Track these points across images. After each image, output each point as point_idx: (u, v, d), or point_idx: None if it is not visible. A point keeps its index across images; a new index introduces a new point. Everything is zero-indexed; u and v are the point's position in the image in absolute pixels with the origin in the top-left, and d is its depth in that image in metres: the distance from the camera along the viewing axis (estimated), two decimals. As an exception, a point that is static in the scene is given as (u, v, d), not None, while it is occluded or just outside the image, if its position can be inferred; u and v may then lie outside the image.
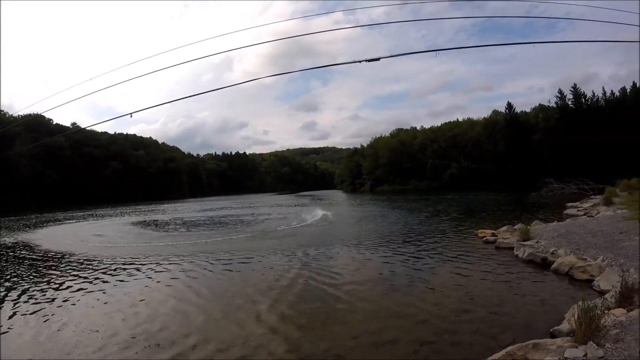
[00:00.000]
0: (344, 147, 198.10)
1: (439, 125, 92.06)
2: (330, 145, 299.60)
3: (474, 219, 20.64)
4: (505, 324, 5.72)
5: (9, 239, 21.41)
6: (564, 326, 4.96)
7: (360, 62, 9.52)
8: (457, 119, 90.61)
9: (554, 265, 8.56)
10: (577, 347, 4.15)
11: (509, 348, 4.50)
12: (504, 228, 13.89)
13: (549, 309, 6.20)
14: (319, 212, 28.69)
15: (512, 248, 10.93)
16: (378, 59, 9.30)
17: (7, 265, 13.35)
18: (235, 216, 31.16)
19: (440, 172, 78.73)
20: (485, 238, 12.97)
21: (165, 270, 11.08)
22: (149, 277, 10.27)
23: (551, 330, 5.04)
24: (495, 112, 77.79)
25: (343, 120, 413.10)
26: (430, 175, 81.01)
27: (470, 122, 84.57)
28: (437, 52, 10.07)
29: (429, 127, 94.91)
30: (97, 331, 6.40)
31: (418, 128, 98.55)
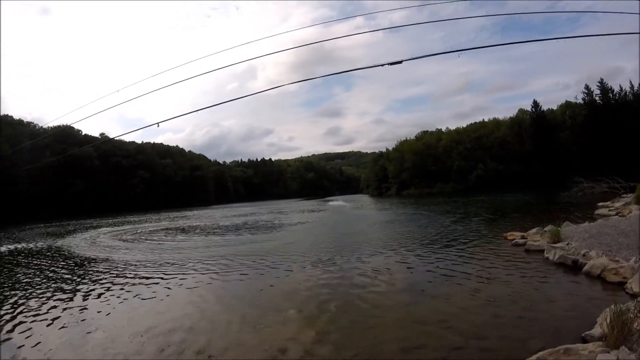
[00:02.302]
0: (368, 152, 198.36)
1: (464, 126, 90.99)
2: (355, 150, 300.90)
3: (502, 221, 20.26)
4: (535, 329, 5.60)
5: (41, 244, 22.38)
6: (596, 330, 4.85)
7: (382, 65, 9.55)
8: (483, 120, 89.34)
9: (585, 268, 8.34)
10: (609, 352, 4.08)
11: (540, 353, 4.44)
12: (534, 230, 13.56)
13: (580, 313, 6.04)
14: (345, 216, 28.82)
15: (542, 251, 10.64)
16: (400, 62, 9.32)
17: (42, 269, 13.86)
18: (261, 222, 31.48)
19: (467, 174, 77.70)
20: (514, 241, 12.72)
21: (192, 275, 11.36)
22: (179, 282, 10.51)
23: (583, 335, 4.91)
24: (521, 111, 76.57)
25: (366, 124, 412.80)
26: (456, 178, 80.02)
27: (495, 122, 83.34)
28: (460, 52, 10.05)
29: (453, 128, 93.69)
30: (123, 334, 6.65)
31: (443, 130, 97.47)
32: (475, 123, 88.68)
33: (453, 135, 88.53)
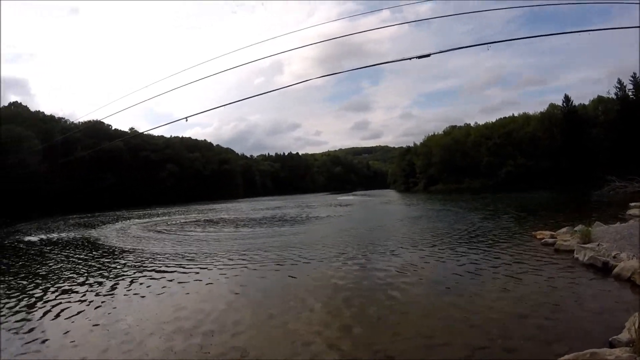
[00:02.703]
0: (396, 146, 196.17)
1: (493, 121, 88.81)
2: (382, 144, 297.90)
3: (531, 219, 19.91)
4: (562, 331, 5.58)
5: (73, 235, 23.55)
6: (624, 335, 4.82)
7: (410, 59, 9.55)
8: (512, 115, 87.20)
9: (615, 270, 8.17)
10: (636, 358, 4.07)
11: (565, 357, 4.46)
12: (564, 229, 13.30)
13: (608, 316, 5.97)
14: (373, 211, 28.91)
15: (572, 251, 10.44)
16: (428, 55, 9.31)
17: (73, 258, 14.59)
18: (289, 215, 32.05)
19: (496, 170, 75.96)
20: (543, 240, 12.52)
21: (220, 267, 11.76)
22: (208, 274, 10.92)
23: (610, 339, 4.87)
24: (552, 106, 74.39)
25: (394, 118, 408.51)
26: (485, 174, 78.35)
27: (525, 117, 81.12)
28: (489, 45, 9.96)
29: (482, 123, 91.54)
30: (149, 320, 7.15)
31: (472, 125, 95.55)
32: (505, 118, 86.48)
33: (482, 130, 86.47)
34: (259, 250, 14.15)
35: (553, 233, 13.20)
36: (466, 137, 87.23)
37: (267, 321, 6.87)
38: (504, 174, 73.71)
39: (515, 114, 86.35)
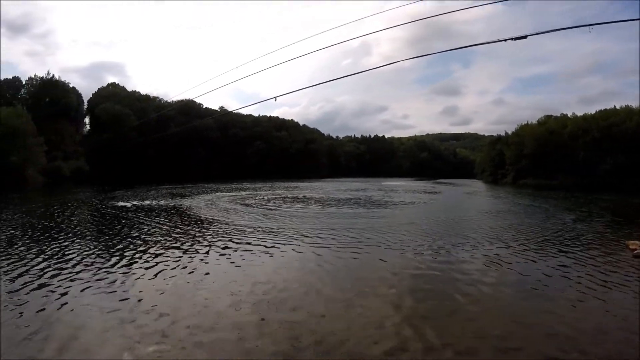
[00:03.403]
0: (486, 134, 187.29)
1: (592, 113, 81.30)
2: (471, 132, 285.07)
3: (627, 226, 18.34)
4: (646, 354, 5.33)
5: (163, 203, 26.56)
6: None
7: (505, 40, 9.33)
8: (614, 107, 79.29)
9: None
10: None
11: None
12: (663, 241, 12.36)
13: None
14: (458, 201, 28.50)
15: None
16: (525, 37, 9.07)
17: (163, 224, 16.44)
18: (373, 198, 32.97)
19: (593, 167, 69.73)
20: (636, 251, 11.70)
21: (305, 243, 12.72)
22: (288, 250, 11.81)
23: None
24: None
25: (485, 104, 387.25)
26: (580, 170, 72.16)
27: (628, 111, 73.66)
28: (590, 27, 9.44)
29: (580, 114, 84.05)
30: (223, 293, 7.73)
31: (569, 115, 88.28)
32: (606, 110, 78.88)
33: (580, 122, 78.74)
34: (344, 230, 14.96)
35: (649, 245, 12.29)
36: (562, 129, 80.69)
37: (339, 302, 7.23)
38: (602, 173, 67.78)
39: (617, 107, 78.58)
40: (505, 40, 9.04)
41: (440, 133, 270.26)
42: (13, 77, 69.68)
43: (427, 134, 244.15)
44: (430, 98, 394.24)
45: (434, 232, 15.00)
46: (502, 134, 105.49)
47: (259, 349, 5.33)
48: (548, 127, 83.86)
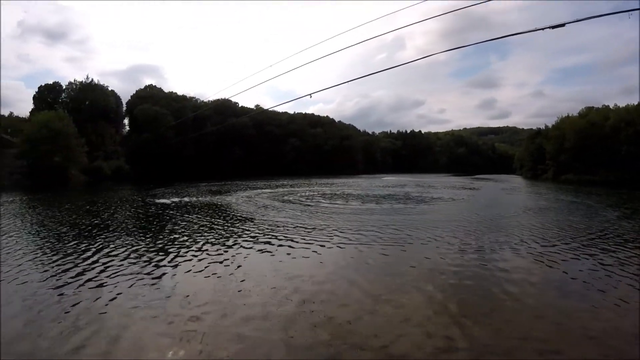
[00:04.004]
0: (525, 128, 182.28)
1: (636, 104, 76.81)
2: (510, 125, 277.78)
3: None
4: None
5: (202, 199, 27.18)
6: None
7: (542, 29, 8.93)
8: (661, 97, 74.97)
9: None
10: None
11: None
12: None
13: None
14: (498, 197, 28.01)
15: None
16: (563, 25, 8.71)
17: (202, 221, 16.59)
18: (411, 195, 32.69)
19: (636, 162, 66.44)
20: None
21: (344, 239, 12.58)
22: (326, 246, 11.70)
23: None
24: None
25: (524, 97, 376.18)
26: (624, 165, 68.67)
27: (675, 101, 69.34)
28: (630, 13, 8.95)
29: (623, 106, 79.80)
30: (267, 289, 7.71)
31: (611, 107, 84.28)
32: (652, 101, 74.92)
33: (622, 114, 74.45)
34: (385, 226, 14.82)
35: None
36: (604, 122, 77.02)
37: (373, 301, 7.08)
38: (645, 167, 64.18)
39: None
40: (543, 29, 8.65)
41: (478, 127, 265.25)
42: (53, 82, 72.76)
43: (464, 128, 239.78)
44: (466, 91, 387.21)
45: (475, 229, 14.62)
46: (542, 127, 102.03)
47: (308, 346, 5.32)
48: (589, 120, 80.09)
